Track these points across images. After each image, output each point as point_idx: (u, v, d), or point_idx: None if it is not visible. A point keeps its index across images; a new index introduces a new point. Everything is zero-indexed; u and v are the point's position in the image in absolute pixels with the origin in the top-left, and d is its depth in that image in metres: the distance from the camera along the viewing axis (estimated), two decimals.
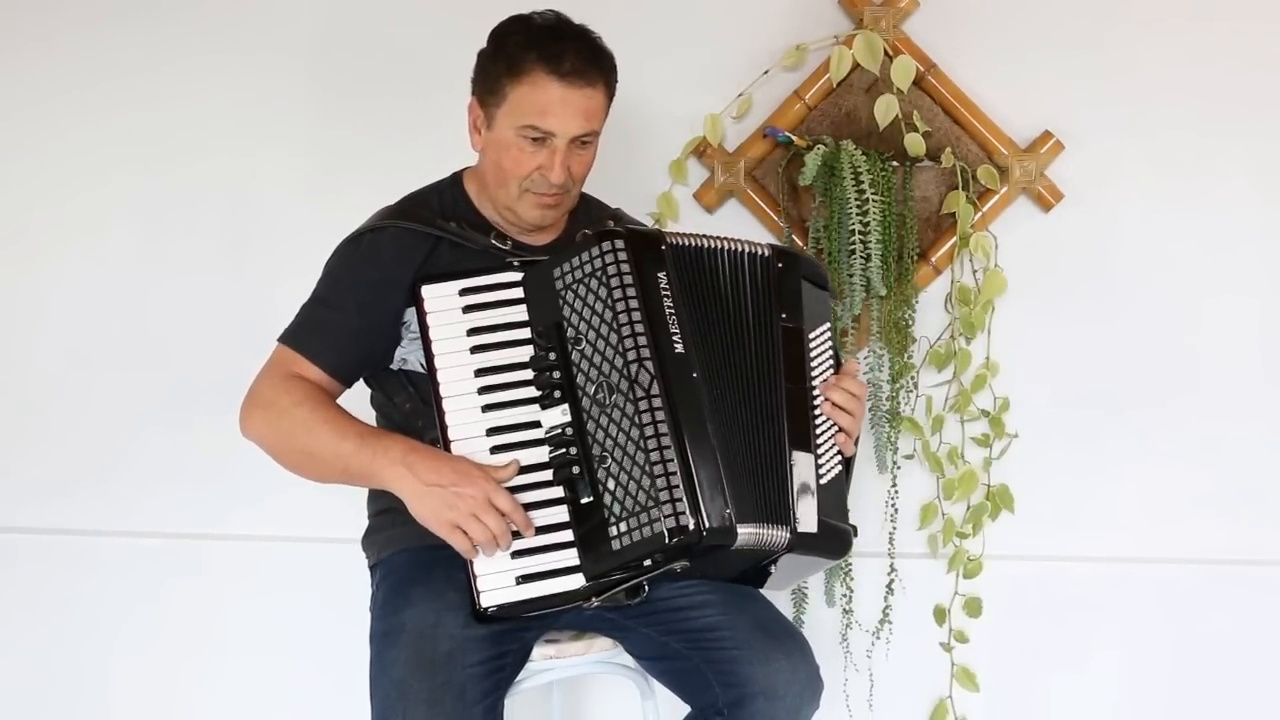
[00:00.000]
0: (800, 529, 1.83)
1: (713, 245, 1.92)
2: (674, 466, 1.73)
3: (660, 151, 2.60)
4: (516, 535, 1.78)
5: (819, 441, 1.90)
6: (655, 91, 2.61)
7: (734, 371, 1.87)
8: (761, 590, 1.99)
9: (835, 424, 1.93)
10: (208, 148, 2.63)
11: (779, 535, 1.82)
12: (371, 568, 2.05)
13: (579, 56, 1.90)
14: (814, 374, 1.92)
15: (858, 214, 2.43)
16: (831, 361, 1.96)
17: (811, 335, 1.94)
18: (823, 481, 1.89)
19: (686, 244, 1.90)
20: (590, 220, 2.09)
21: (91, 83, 2.63)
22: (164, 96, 2.63)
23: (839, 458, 1.94)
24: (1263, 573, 2.65)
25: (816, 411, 1.91)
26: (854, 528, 1.93)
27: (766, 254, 1.94)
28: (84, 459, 2.66)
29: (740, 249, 1.93)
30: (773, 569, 1.92)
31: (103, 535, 2.67)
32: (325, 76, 2.62)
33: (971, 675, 2.65)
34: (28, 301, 2.67)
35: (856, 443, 1.98)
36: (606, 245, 1.82)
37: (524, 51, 1.89)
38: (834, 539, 1.89)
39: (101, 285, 2.65)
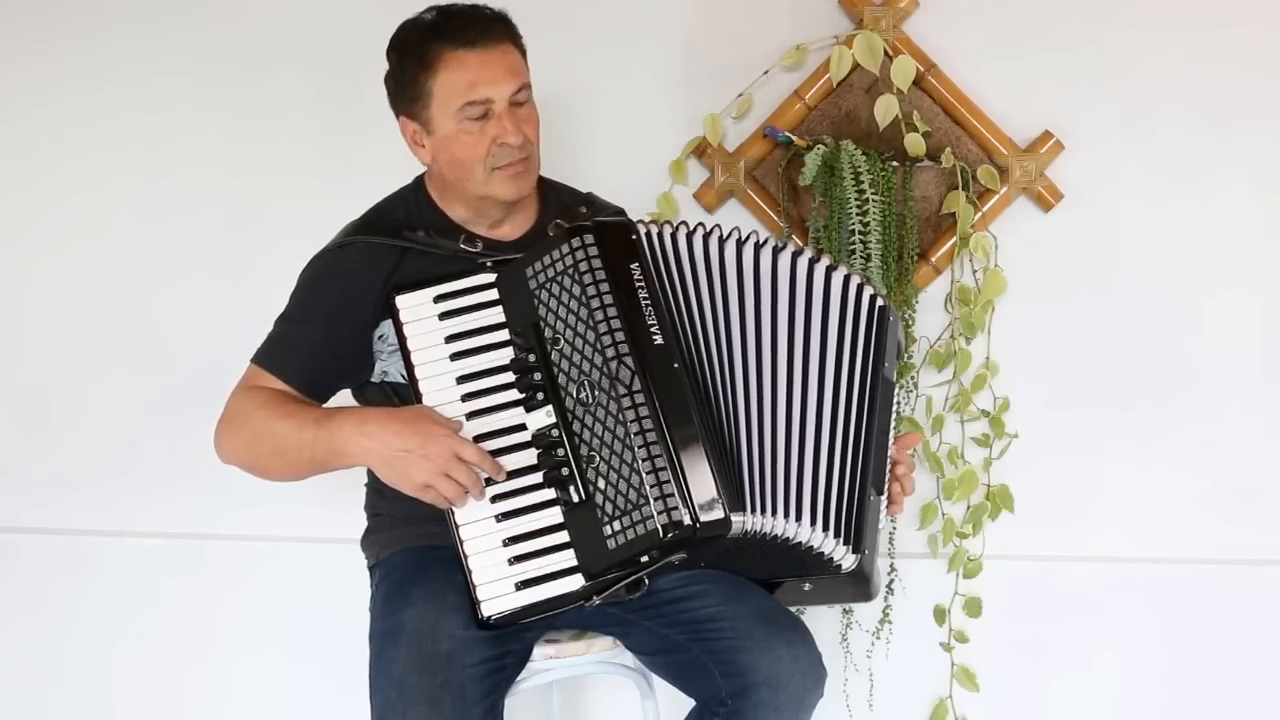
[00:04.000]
0: (865, 559, 1.85)
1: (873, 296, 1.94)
2: (662, 462, 1.73)
3: (660, 151, 2.60)
4: (490, 483, 1.80)
5: (884, 487, 1.93)
6: (655, 91, 2.61)
7: (775, 368, 1.87)
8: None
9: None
10: (209, 151, 2.63)
11: (847, 555, 1.84)
12: (371, 568, 2.05)
13: (478, 24, 1.90)
14: (892, 424, 1.96)
15: (858, 214, 2.42)
16: (896, 429, 2.00)
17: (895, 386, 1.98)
18: (879, 527, 1.92)
19: (661, 232, 1.89)
20: (561, 208, 2.07)
21: (93, 86, 2.63)
22: (165, 100, 2.63)
23: (887, 516, 1.97)
24: (1262, 573, 2.65)
25: (889, 456, 1.94)
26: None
27: (881, 304, 1.96)
28: (85, 460, 2.67)
29: (848, 281, 1.94)
30: (807, 585, 1.93)
31: (103, 535, 2.68)
32: (325, 81, 2.62)
33: (971, 675, 2.65)
34: (30, 303, 2.67)
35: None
36: (576, 241, 1.81)
37: (427, 43, 1.90)
38: (878, 580, 1.93)
39: (103, 287, 2.66)
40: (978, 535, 2.63)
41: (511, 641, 1.85)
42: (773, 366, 1.88)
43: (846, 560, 1.85)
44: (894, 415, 1.99)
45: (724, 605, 1.88)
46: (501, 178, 1.95)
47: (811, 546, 1.83)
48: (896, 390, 2.01)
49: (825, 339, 1.91)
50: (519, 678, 1.90)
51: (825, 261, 1.94)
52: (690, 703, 1.95)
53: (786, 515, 1.81)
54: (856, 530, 1.85)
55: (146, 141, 2.63)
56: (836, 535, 1.84)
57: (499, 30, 1.92)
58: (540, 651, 1.93)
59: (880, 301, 1.96)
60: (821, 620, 2.61)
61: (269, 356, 1.96)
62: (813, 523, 1.83)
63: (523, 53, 1.97)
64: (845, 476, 1.87)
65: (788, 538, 1.82)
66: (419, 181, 2.07)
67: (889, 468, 1.94)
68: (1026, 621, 2.68)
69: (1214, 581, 2.66)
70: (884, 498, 1.93)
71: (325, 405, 1.94)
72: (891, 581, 2.63)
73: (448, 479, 1.77)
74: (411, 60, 1.91)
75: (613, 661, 2.02)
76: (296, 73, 2.63)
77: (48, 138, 2.64)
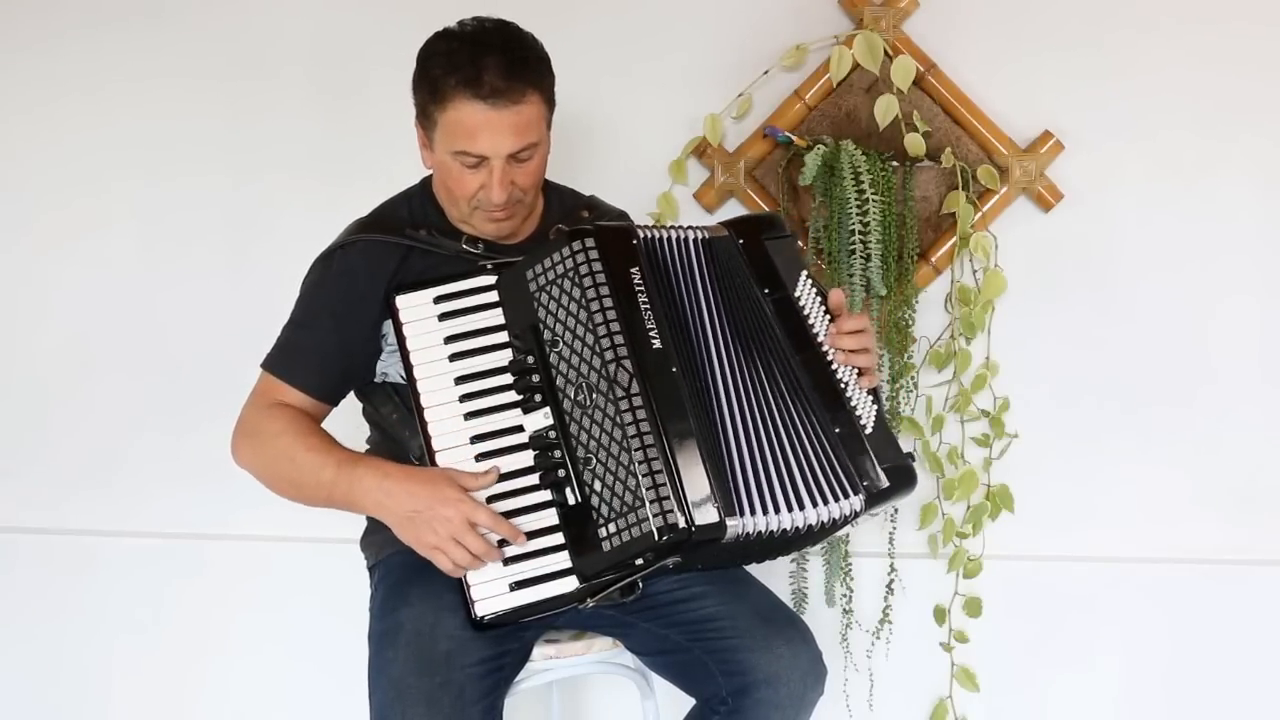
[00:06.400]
0: (870, 488, 1.84)
1: (682, 235, 1.90)
2: (659, 465, 1.72)
3: (660, 151, 2.61)
4: (504, 543, 1.78)
5: (848, 395, 1.89)
6: (656, 92, 2.62)
7: (743, 359, 1.87)
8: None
9: (854, 368, 1.91)
10: (209, 153, 2.64)
11: (849, 505, 1.82)
12: (370, 568, 2.06)
13: (500, 73, 1.83)
14: (815, 330, 1.91)
15: (858, 214, 2.42)
16: (822, 305, 1.94)
17: (797, 294, 1.93)
18: (868, 430, 1.88)
19: (659, 236, 1.89)
20: (564, 211, 2.07)
21: (93, 87, 2.63)
22: (165, 101, 2.64)
23: (870, 398, 1.92)
24: (1262, 572, 2.65)
25: (834, 367, 1.90)
26: (910, 454, 1.93)
27: (724, 234, 1.94)
28: (86, 460, 2.67)
29: (698, 235, 1.92)
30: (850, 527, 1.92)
31: (104, 535, 2.68)
32: (326, 82, 2.62)
33: (971, 675, 2.65)
34: (30, 303, 2.68)
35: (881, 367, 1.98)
36: (577, 245, 1.81)
37: (444, 76, 1.84)
38: (900, 479, 1.88)
39: (104, 288, 2.66)
40: (978, 535, 2.63)
41: (510, 641, 1.85)
42: (751, 365, 1.87)
43: (856, 505, 1.83)
44: (819, 308, 1.93)
45: (723, 605, 1.89)
46: (483, 217, 1.95)
47: (824, 523, 1.82)
48: (815, 310, 1.93)
49: (733, 304, 1.90)
50: (518, 678, 1.90)
51: (703, 234, 1.92)
52: (690, 702, 1.95)
53: (777, 509, 1.80)
54: (841, 478, 1.83)
55: (146, 142, 2.64)
56: (836, 497, 1.82)
57: (518, 86, 1.84)
58: (540, 651, 1.93)
59: (702, 235, 1.92)
60: (821, 620, 2.61)
61: (281, 363, 1.96)
62: (813, 504, 1.81)
63: (548, 98, 1.91)
64: (812, 436, 1.85)
65: (810, 525, 1.81)
66: (425, 182, 2.07)
67: (837, 368, 1.89)
68: (1026, 621, 2.68)
69: (1214, 581, 2.66)
70: (851, 404, 1.89)
71: (347, 448, 1.91)
72: (891, 581, 2.63)
73: (457, 545, 1.76)
74: (426, 84, 1.87)
75: (613, 661, 2.02)
76: (297, 73, 2.63)
77: (48, 139, 2.65)
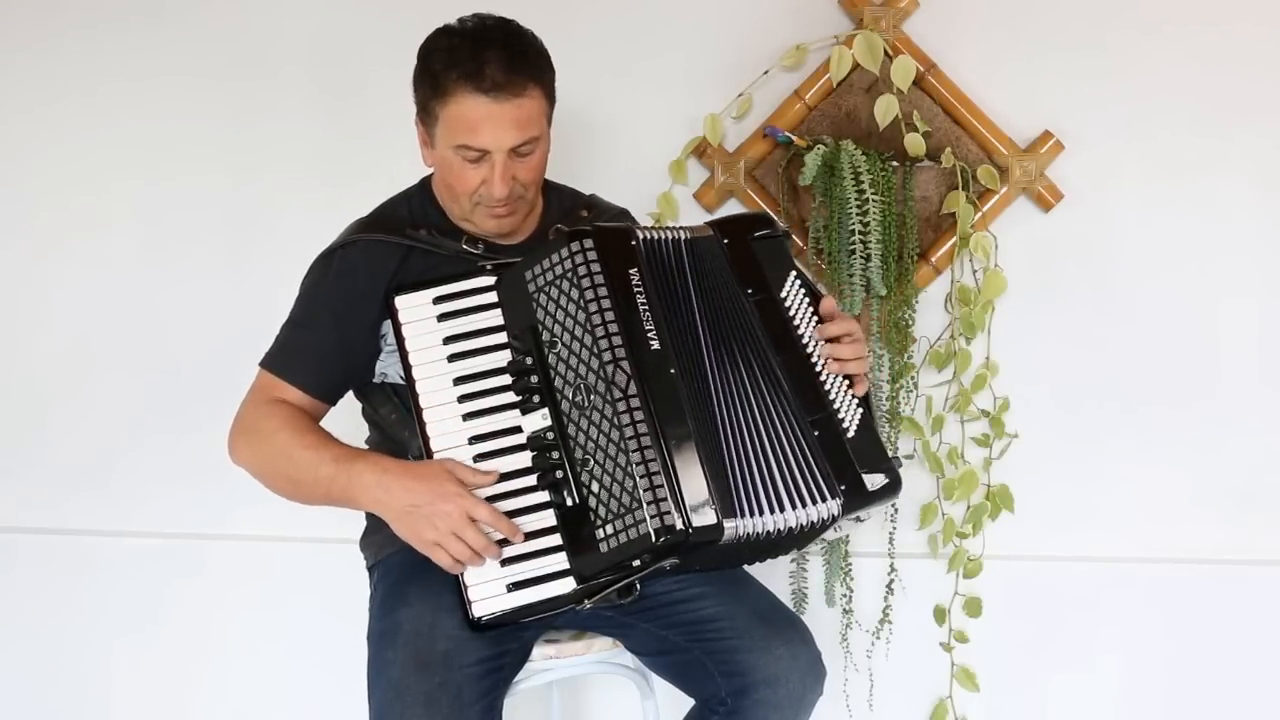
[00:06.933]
0: (848, 492, 1.83)
1: (668, 236, 1.90)
2: (656, 466, 1.72)
3: (660, 151, 2.60)
4: (504, 543, 1.78)
5: (831, 399, 1.88)
6: (656, 91, 2.62)
7: (725, 360, 1.86)
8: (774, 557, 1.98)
9: (841, 376, 1.90)
10: (209, 152, 2.64)
11: (826, 509, 1.81)
12: (370, 568, 2.06)
13: (501, 67, 1.84)
14: (800, 332, 1.90)
15: (858, 214, 2.42)
16: (810, 307, 1.93)
17: (783, 294, 1.92)
18: (850, 435, 1.87)
19: (658, 237, 1.88)
20: (564, 211, 2.07)
21: (93, 86, 2.64)
22: (165, 101, 2.64)
23: (855, 402, 1.90)
24: (1262, 573, 2.65)
25: (818, 369, 1.89)
26: (896, 458, 1.92)
27: (708, 234, 1.93)
28: (86, 460, 2.68)
29: (681, 236, 1.91)
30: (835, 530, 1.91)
31: (104, 535, 2.68)
32: (326, 82, 2.62)
33: (971, 675, 2.65)
34: (30, 303, 2.68)
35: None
36: (575, 245, 1.80)
37: (445, 70, 1.85)
38: (882, 484, 1.87)
39: (103, 287, 2.66)
40: (978, 535, 2.63)
41: (509, 641, 1.85)
42: (734, 366, 1.86)
43: (833, 508, 1.81)
44: (806, 309, 1.91)
45: (722, 606, 1.89)
46: (484, 213, 1.95)
47: (802, 526, 1.81)
48: (810, 287, 1.93)
49: (720, 305, 1.89)
50: (518, 678, 1.90)
51: (687, 234, 1.91)
52: (690, 702, 1.95)
53: (762, 511, 1.79)
54: (818, 482, 1.82)
55: (146, 142, 2.64)
56: (813, 500, 1.80)
57: (519, 80, 1.85)
58: (540, 651, 1.93)
59: (685, 235, 1.91)
60: (821, 620, 2.61)
61: (279, 361, 1.96)
62: (792, 506, 1.80)
63: (548, 93, 1.92)
64: (789, 437, 1.83)
65: (791, 528, 1.80)
66: (424, 182, 2.07)
67: (823, 372, 1.88)
68: (1026, 621, 2.68)
69: (1214, 581, 2.66)
70: (834, 407, 1.87)
71: (345, 444, 1.91)
72: (891, 581, 2.63)
73: (456, 540, 1.76)
74: (427, 79, 1.88)
75: (613, 661, 2.02)
76: (297, 73, 2.63)
77: (48, 139, 2.65)
